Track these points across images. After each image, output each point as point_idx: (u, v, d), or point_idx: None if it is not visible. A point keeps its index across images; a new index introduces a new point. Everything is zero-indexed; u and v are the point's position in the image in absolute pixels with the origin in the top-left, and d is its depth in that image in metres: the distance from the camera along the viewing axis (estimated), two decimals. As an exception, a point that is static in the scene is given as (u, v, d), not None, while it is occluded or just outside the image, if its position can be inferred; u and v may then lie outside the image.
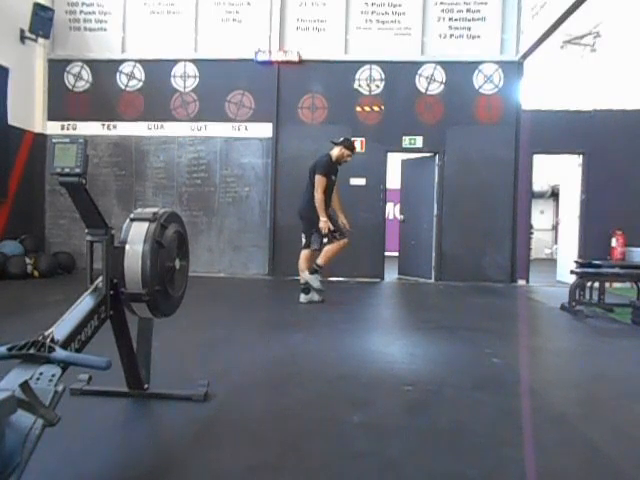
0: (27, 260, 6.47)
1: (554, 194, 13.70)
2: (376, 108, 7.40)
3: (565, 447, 1.89)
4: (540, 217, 14.48)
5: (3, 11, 6.75)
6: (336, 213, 5.12)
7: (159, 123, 7.55)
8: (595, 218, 7.16)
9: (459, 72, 7.30)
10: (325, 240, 4.94)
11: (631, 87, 8.35)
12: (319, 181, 4.82)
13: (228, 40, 7.49)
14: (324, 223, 4.79)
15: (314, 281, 4.87)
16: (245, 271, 7.47)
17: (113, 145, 7.59)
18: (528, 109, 7.30)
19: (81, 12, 7.68)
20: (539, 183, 12.70)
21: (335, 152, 5.05)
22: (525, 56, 7.13)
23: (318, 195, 4.80)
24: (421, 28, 7.36)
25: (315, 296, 4.95)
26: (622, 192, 7.05)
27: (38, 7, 7.05)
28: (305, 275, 4.91)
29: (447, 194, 7.32)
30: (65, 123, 7.64)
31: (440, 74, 7.33)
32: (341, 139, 5.16)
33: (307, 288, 4.97)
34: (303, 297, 4.98)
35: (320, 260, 4.93)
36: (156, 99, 7.54)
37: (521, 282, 7.25)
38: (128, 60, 7.57)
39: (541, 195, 14.08)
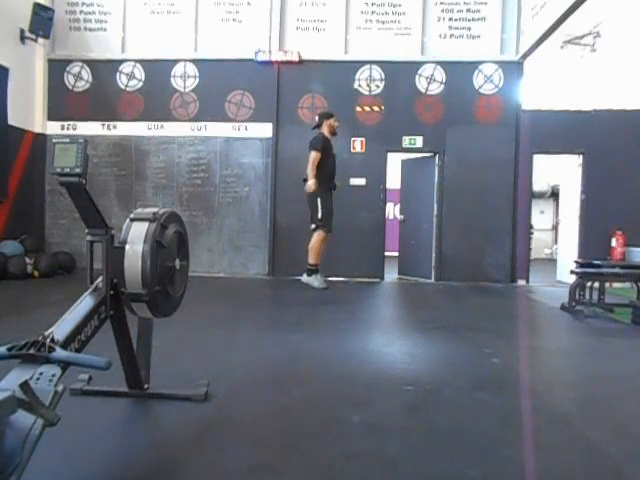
0: (27, 260, 6.47)
1: (554, 194, 13.70)
2: (376, 108, 7.40)
3: (565, 447, 1.89)
4: (540, 217, 14.48)
5: (3, 11, 6.75)
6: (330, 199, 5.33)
7: (159, 123, 7.55)
8: (595, 218, 7.16)
9: (459, 72, 7.30)
10: (312, 226, 5.13)
11: (631, 87, 8.36)
12: (313, 157, 5.12)
13: (228, 40, 7.49)
14: (312, 184, 5.07)
15: (314, 282, 5.01)
16: (245, 271, 7.47)
17: (113, 145, 7.60)
18: (528, 109, 7.30)
19: (81, 12, 7.68)
20: (539, 183, 12.70)
21: (324, 129, 5.35)
22: (525, 56, 7.13)
23: (310, 169, 5.12)
24: (421, 28, 7.36)
25: (315, 283, 5.17)
26: (622, 192, 7.05)
27: (38, 7, 7.05)
28: (303, 278, 5.10)
29: (447, 194, 7.32)
30: (65, 123, 7.64)
31: (440, 74, 7.33)
32: (316, 119, 5.52)
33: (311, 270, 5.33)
34: (304, 277, 5.31)
35: (310, 259, 5.11)
36: (156, 99, 7.54)
37: (521, 282, 7.25)
38: (128, 60, 7.57)
39: (541, 195, 14.09)
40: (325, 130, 5.32)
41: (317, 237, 5.14)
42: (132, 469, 1.65)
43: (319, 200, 5.14)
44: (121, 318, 1.92)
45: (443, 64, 7.32)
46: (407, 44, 7.39)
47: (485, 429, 2.03)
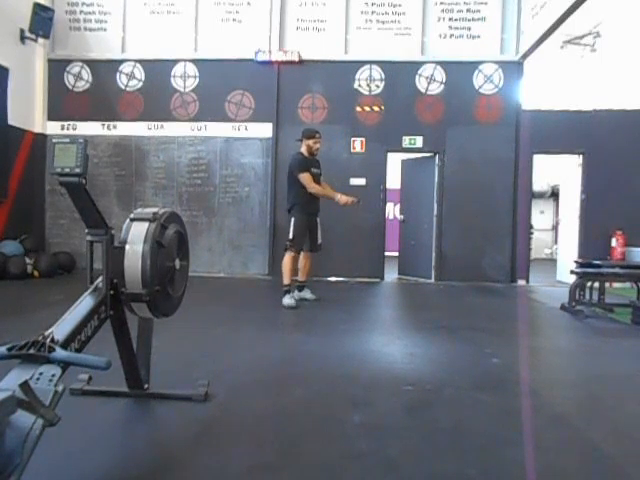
0: (27, 260, 6.47)
1: (554, 194, 13.70)
2: (376, 108, 7.40)
3: (565, 447, 1.90)
4: (540, 217, 14.48)
5: (3, 11, 6.75)
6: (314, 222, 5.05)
7: (159, 123, 7.55)
8: (595, 218, 7.15)
9: (459, 72, 7.30)
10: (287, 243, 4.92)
11: (631, 87, 8.36)
12: (305, 178, 4.80)
13: (228, 40, 7.49)
14: (343, 197, 4.85)
15: (284, 300, 4.78)
16: (245, 271, 7.47)
17: (113, 145, 7.59)
18: (528, 109, 7.29)
19: (81, 12, 7.67)
20: (539, 183, 12.70)
21: (303, 149, 5.01)
22: (525, 56, 7.13)
23: (314, 190, 4.84)
24: (421, 28, 7.36)
25: (284, 301, 4.79)
26: (622, 192, 7.05)
27: (38, 7, 7.05)
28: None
29: (447, 194, 7.32)
30: (65, 123, 7.64)
31: (440, 74, 7.33)
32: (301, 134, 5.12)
33: (296, 287, 5.12)
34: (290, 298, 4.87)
35: (283, 279, 4.90)
36: (156, 99, 7.54)
37: (521, 282, 7.25)
38: (128, 60, 7.57)
39: (541, 195, 14.08)
40: (304, 149, 4.96)
41: (286, 257, 4.90)
42: (132, 469, 1.65)
43: (292, 220, 4.85)
44: (121, 318, 1.92)
45: (443, 64, 7.32)
46: (407, 44, 7.38)
47: (485, 429, 2.03)
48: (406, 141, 7.37)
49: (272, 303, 5.51)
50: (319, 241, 5.11)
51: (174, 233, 2.04)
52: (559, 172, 9.11)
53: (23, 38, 7.09)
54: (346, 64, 7.39)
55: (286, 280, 4.92)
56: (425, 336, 3.71)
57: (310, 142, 4.97)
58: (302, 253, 5.04)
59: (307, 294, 5.13)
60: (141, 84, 7.57)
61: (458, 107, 7.28)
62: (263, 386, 2.54)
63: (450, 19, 7.37)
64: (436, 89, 7.35)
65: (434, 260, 7.38)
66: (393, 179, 7.83)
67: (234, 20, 7.52)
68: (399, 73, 7.36)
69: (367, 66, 7.39)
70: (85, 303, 1.74)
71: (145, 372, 2.19)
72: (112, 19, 7.62)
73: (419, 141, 7.35)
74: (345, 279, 7.18)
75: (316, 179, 4.95)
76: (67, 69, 7.64)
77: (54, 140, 1.74)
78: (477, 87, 7.30)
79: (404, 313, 5.31)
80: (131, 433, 1.96)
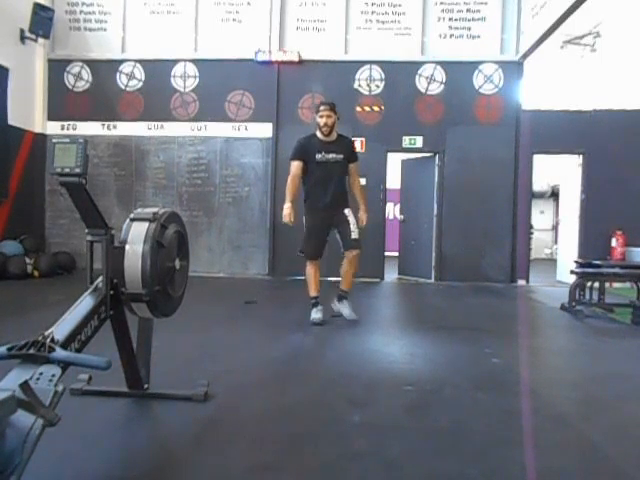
0: (27, 260, 6.47)
1: (554, 194, 13.69)
2: (376, 108, 7.40)
3: (565, 447, 1.89)
4: (540, 217, 14.47)
5: (3, 11, 6.75)
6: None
7: (159, 123, 7.54)
8: (595, 218, 7.15)
9: (459, 72, 7.30)
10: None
11: (631, 87, 8.35)
12: (292, 167, 4.16)
13: (228, 40, 7.49)
14: (287, 211, 4.11)
15: (312, 313, 4.08)
16: (245, 271, 7.47)
17: (113, 145, 7.59)
18: (528, 109, 7.29)
19: (81, 12, 7.67)
20: (539, 183, 12.69)
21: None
22: (525, 56, 7.13)
23: (287, 185, 4.19)
24: (421, 28, 7.36)
25: (311, 315, 4.08)
26: (622, 192, 7.04)
27: (38, 7, 7.05)
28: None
29: (447, 194, 7.31)
30: (65, 123, 7.64)
31: (440, 74, 7.33)
32: None
33: (342, 296, 4.27)
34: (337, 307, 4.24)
35: (309, 291, 4.18)
36: (156, 99, 7.54)
37: (521, 282, 7.25)
38: (128, 60, 7.57)
39: (541, 195, 14.07)
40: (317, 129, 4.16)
41: (307, 267, 4.15)
42: (132, 469, 1.65)
43: (304, 219, 4.21)
44: (121, 318, 1.92)
45: (443, 64, 7.32)
46: (407, 44, 7.38)
47: (485, 429, 2.03)
48: (406, 141, 7.36)
49: (272, 303, 5.52)
50: (353, 236, 4.09)
51: (174, 233, 2.04)
52: (559, 172, 9.10)
53: (23, 38, 7.09)
54: (346, 64, 7.39)
55: (311, 291, 4.14)
56: (425, 336, 3.71)
57: (317, 118, 4.09)
58: (344, 254, 4.17)
59: (345, 310, 4.16)
60: (141, 84, 7.57)
61: (458, 107, 7.28)
62: (263, 386, 2.54)
63: (450, 19, 7.36)
64: (436, 89, 7.35)
65: (434, 260, 7.37)
66: (393, 179, 7.83)
67: (234, 20, 7.52)
68: (399, 73, 7.36)
69: (367, 66, 7.39)
70: (85, 303, 1.74)
71: (145, 372, 2.19)
72: (112, 19, 7.62)
73: (419, 141, 7.35)
74: (345, 279, 7.16)
75: (329, 166, 4.12)
76: (67, 69, 7.64)
77: (54, 140, 1.74)
78: (477, 87, 7.30)
79: (404, 313, 5.31)
80: (131, 433, 1.96)
